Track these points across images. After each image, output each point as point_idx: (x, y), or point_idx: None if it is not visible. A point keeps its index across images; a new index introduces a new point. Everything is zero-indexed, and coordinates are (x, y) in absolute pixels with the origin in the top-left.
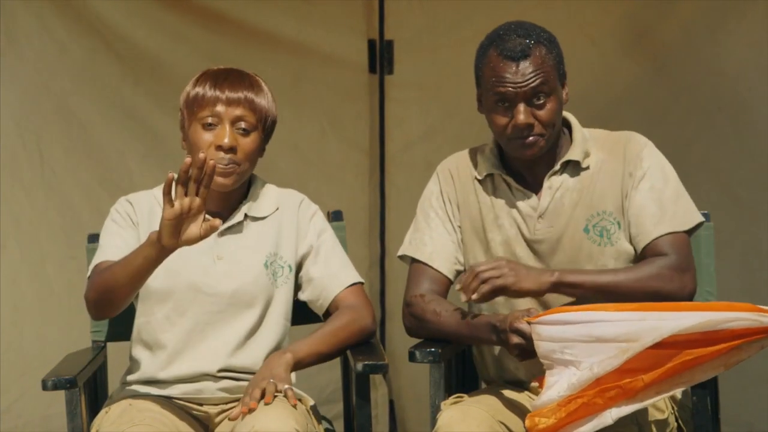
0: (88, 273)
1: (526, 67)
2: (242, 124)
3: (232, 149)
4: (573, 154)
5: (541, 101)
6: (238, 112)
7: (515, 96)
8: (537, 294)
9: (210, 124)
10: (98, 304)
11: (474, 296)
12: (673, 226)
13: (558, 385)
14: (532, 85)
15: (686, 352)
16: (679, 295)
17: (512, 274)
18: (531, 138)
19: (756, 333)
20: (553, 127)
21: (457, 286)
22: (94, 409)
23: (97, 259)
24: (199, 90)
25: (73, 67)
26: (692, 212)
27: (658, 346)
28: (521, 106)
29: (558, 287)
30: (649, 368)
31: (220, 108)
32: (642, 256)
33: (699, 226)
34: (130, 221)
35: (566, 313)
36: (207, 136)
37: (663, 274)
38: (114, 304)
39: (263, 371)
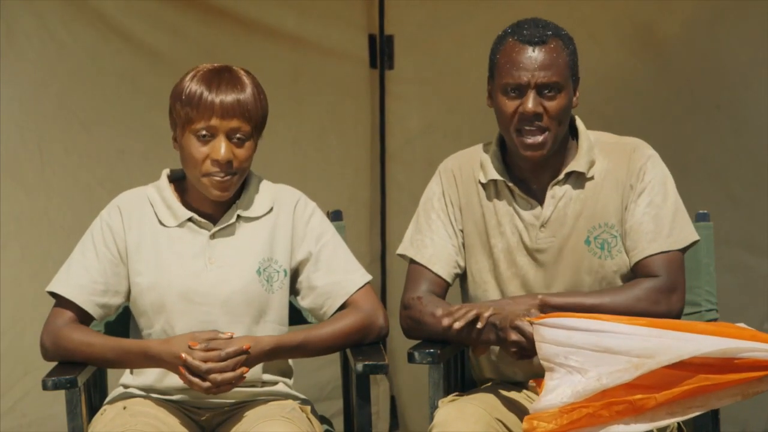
0: (52, 306)
1: (541, 54)
2: (237, 135)
3: (228, 162)
4: (578, 165)
5: (552, 94)
6: (233, 124)
7: (527, 83)
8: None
9: (204, 136)
10: (56, 359)
11: (456, 324)
12: (667, 245)
13: (560, 390)
14: (544, 74)
15: (704, 377)
16: (666, 317)
17: (495, 305)
18: (538, 137)
19: None
20: (559, 124)
21: (445, 321)
22: (94, 409)
23: (60, 287)
24: (192, 95)
25: (73, 66)
26: (688, 231)
27: (674, 366)
28: (531, 94)
29: (542, 310)
30: (663, 387)
31: (214, 122)
32: (634, 270)
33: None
34: (108, 246)
35: (574, 319)
36: (203, 150)
37: (650, 297)
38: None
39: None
